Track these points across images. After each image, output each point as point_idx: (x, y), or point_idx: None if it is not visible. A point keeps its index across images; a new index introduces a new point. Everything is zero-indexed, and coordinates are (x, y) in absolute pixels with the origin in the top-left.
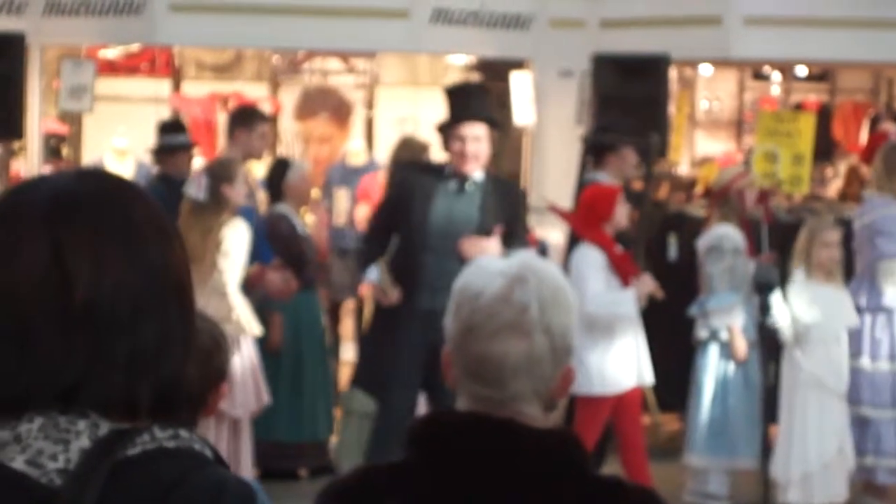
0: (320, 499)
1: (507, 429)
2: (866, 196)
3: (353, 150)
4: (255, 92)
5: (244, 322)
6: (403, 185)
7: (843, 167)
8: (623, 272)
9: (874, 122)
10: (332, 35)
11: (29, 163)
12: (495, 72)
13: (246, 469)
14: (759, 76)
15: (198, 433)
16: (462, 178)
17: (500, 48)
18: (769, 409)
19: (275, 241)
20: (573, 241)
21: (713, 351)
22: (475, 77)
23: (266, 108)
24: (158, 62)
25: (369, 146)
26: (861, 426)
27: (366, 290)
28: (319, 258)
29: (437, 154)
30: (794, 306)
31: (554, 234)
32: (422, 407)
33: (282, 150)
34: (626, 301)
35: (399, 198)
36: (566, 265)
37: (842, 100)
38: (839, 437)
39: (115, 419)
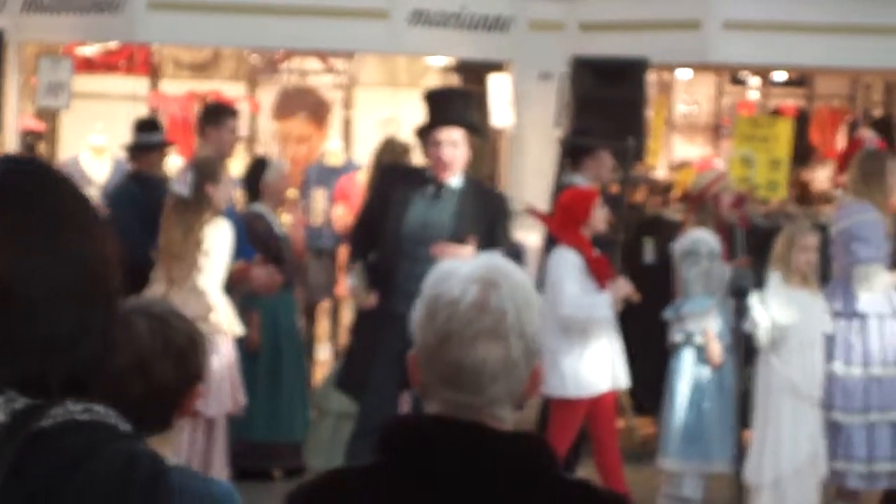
0: (289, 500)
1: (476, 433)
2: (843, 201)
3: (331, 150)
4: (233, 91)
5: (224, 322)
6: (382, 189)
7: (821, 172)
8: (599, 275)
9: (851, 128)
10: (311, 35)
11: None
12: (474, 74)
13: (220, 469)
14: (737, 81)
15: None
16: (439, 184)
17: (479, 50)
18: (743, 413)
19: (252, 241)
20: (550, 243)
21: (688, 355)
22: (453, 78)
23: (244, 107)
24: (136, 60)
25: (347, 146)
26: (833, 431)
27: (342, 291)
28: (296, 258)
29: (419, 156)
30: (771, 310)
31: (531, 236)
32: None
33: (259, 150)
34: (601, 304)
35: (377, 202)
36: (543, 267)
37: (819, 105)
38: (813, 443)
39: (32, 396)
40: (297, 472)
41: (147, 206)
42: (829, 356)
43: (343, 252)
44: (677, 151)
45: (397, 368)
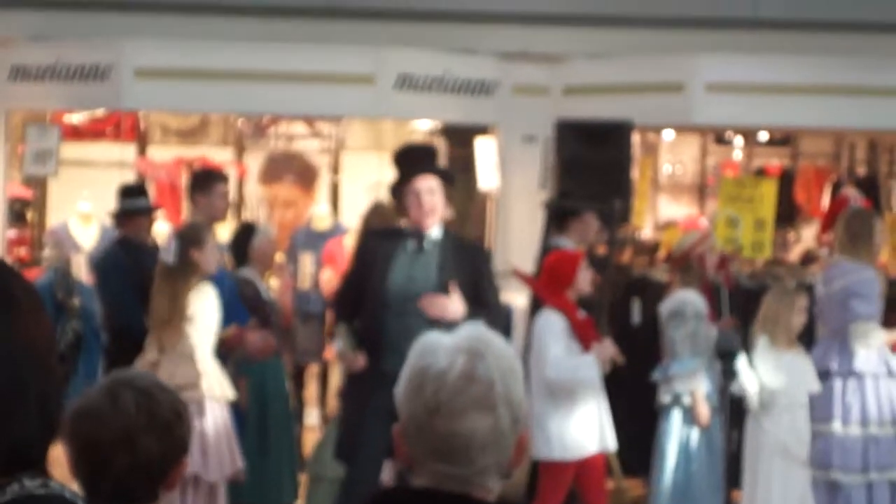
0: None
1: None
2: (834, 261)
3: (319, 214)
4: (221, 156)
5: (215, 387)
6: (364, 251)
7: (805, 232)
8: (584, 337)
9: (836, 188)
10: (298, 100)
11: None
12: (460, 137)
13: None
14: (722, 141)
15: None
16: (419, 237)
17: (464, 114)
18: (732, 474)
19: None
20: (536, 305)
21: (676, 416)
22: (439, 142)
23: (231, 172)
24: (124, 127)
25: (334, 210)
26: (831, 491)
27: (331, 355)
28: (283, 323)
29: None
30: (759, 373)
31: (518, 298)
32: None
33: (247, 214)
34: (586, 366)
35: (361, 264)
36: (530, 330)
37: (804, 164)
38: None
39: None
40: None
41: (134, 273)
42: (827, 415)
43: (331, 316)
44: (663, 211)
45: (387, 432)
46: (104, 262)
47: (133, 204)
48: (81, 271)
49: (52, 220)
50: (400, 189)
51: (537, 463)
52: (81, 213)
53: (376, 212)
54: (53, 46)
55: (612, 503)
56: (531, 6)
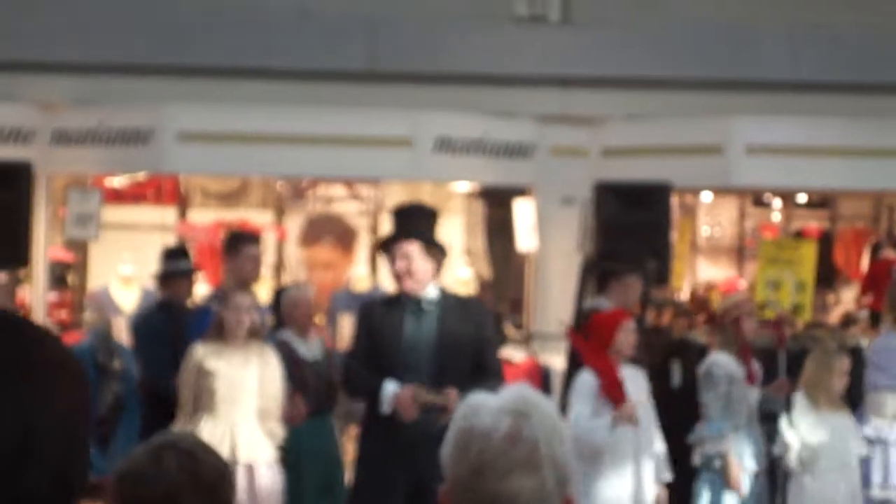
0: None
1: None
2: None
3: (358, 275)
4: (261, 218)
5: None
6: (370, 320)
7: (845, 294)
8: (611, 398)
9: (875, 250)
10: (337, 163)
11: (35, 290)
12: (498, 199)
13: None
14: (760, 203)
15: None
16: (415, 300)
17: (502, 175)
18: None
19: None
20: (573, 366)
21: (706, 479)
22: (477, 204)
23: (270, 234)
24: (164, 190)
25: (373, 272)
26: None
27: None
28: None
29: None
30: (800, 430)
31: (557, 359)
32: None
33: (287, 277)
34: (599, 429)
35: (367, 334)
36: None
37: (842, 227)
38: None
39: None
40: None
41: (173, 336)
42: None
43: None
44: (702, 273)
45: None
46: (142, 325)
47: (175, 266)
48: (122, 334)
49: (93, 283)
50: (386, 248)
51: None
52: (122, 276)
53: None
54: (95, 110)
55: None
56: (569, 69)
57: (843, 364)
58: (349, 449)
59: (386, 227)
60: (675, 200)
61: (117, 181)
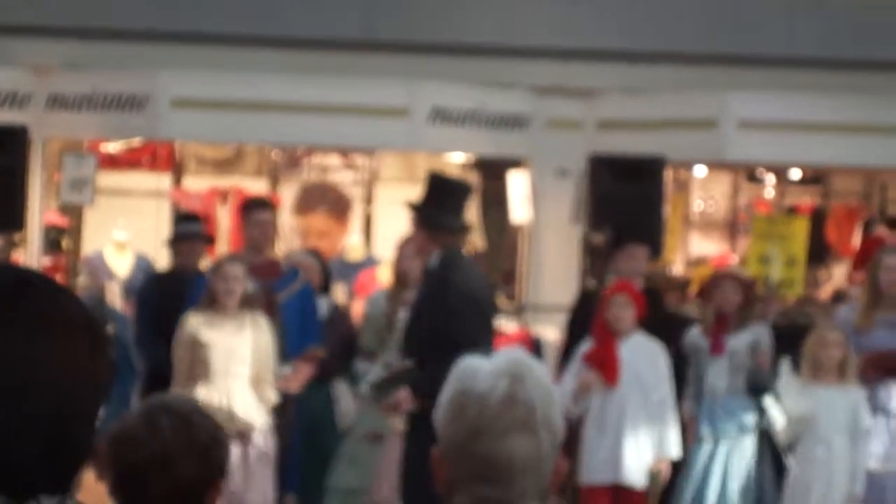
0: None
1: None
2: None
3: (351, 245)
4: (255, 186)
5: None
6: None
7: (836, 270)
8: (592, 366)
9: (867, 226)
10: (332, 132)
11: (29, 254)
12: (493, 170)
13: None
14: (753, 178)
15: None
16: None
17: (497, 147)
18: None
19: None
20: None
21: (697, 449)
22: (472, 175)
23: None
24: (159, 156)
25: (367, 242)
26: None
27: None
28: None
29: None
30: (784, 402)
31: (549, 330)
32: None
33: (281, 245)
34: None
35: None
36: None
37: (835, 203)
38: None
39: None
40: None
41: (166, 307)
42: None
43: None
44: (694, 248)
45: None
46: (137, 296)
47: (186, 228)
48: (116, 299)
49: (88, 248)
50: None
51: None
52: (117, 242)
53: None
54: (90, 76)
55: None
56: (566, 41)
57: (833, 335)
58: None
59: (381, 196)
60: (668, 174)
61: (112, 147)
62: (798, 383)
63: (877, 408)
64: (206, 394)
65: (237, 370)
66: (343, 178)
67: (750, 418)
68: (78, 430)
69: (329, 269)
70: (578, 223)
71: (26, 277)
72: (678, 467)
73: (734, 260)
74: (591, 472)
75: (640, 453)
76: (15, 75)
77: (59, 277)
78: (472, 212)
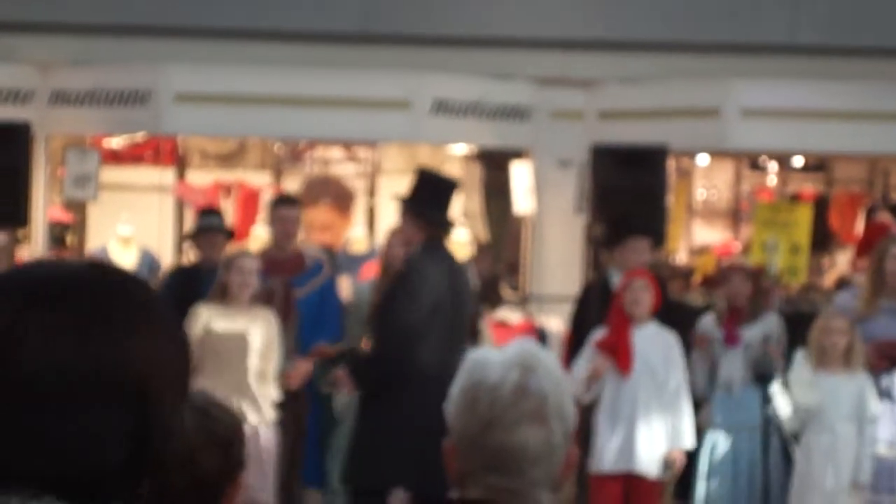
0: None
1: None
2: None
3: (355, 237)
4: (258, 180)
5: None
6: None
7: (840, 257)
8: (605, 352)
9: (870, 213)
10: (335, 124)
11: (34, 250)
12: (495, 161)
13: None
14: (756, 166)
15: None
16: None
17: (499, 138)
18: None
19: None
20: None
21: (711, 440)
22: (475, 166)
23: (268, 196)
24: (162, 151)
25: (371, 234)
26: None
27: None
28: None
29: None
30: (793, 391)
31: (553, 321)
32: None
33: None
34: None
35: None
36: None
37: (838, 190)
38: None
39: (65, 499)
40: None
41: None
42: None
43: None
44: (697, 236)
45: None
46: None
47: (206, 222)
48: None
49: (92, 243)
50: None
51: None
52: (121, 237)
53: None
54: (93, 71)
55: None
56: (567, 31)
57: (837, 322)
58: None
59: (384, 188)
60: (671, 163)
61: (115, 142)
62: (810, 374)
63: (883, 393)
64: (213, 386)
65: (246, 363)
66: (346, 170)
67: (762, 409)
68: (161, 431)
69: (337, 263)
70: (581, 213)
71: (104, 271)
72: (691, 456)
73: (737, 248)
74: (603, 462)
75: (654, 443)
76: (18, 72)
77: None
78: (475, 203)
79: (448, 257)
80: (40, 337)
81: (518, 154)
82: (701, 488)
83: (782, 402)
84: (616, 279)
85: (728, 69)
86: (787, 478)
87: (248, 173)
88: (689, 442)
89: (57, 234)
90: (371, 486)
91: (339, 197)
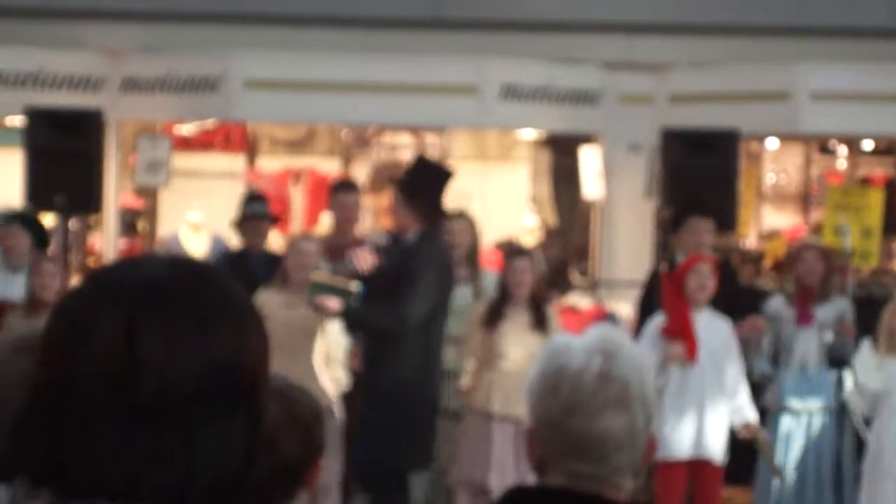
0: None
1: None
2: None
3: None
4: (328, 166)
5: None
6: None
7: None
8: (672, 337)
9: None
10: (403, 110)
11: (105, 237)
12: (564, 146)
13: None
14: (825, 150)
15: None
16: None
17: (568, 123)
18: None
19: None
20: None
21: (781, 421)
22: (543, 151)
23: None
24: (233, 137)
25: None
26: None
27: None
28: None
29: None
30: (859, 377)
31: (623, 307)
32: None
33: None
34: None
35: None
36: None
37: None
38: None
39: None
40: None
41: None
42: None
43: None
44: (767, 221)
45: None
46: None
47: (251, 209)
48: None
49: (163, 229)
50: None
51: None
52: (192, 223)
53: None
54: (164, 58)
55: None
56: (636, 15)
57: None
58: None
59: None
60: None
61: (186, 128)
62: (875, 360)
63: None
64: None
65: (309, 347)
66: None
67: (835, 391)
68: (263, 429)
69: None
70: (651, 198)
71: (200, 270)
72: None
73: (807, 232)
74: (671, 448)
75: (719, 427)
76: (89, 59)
77: None
78: (543, 188)
79: (444, 247)
80: (159, 344)
81: (587, 139)
82: (765, 471)
83: (853, 388)
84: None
85: (798, 52)
86: (860, 463)
87: (317, 159)
88: (752, 416)
89: (128, 220)
90: (393, 468)
91: None
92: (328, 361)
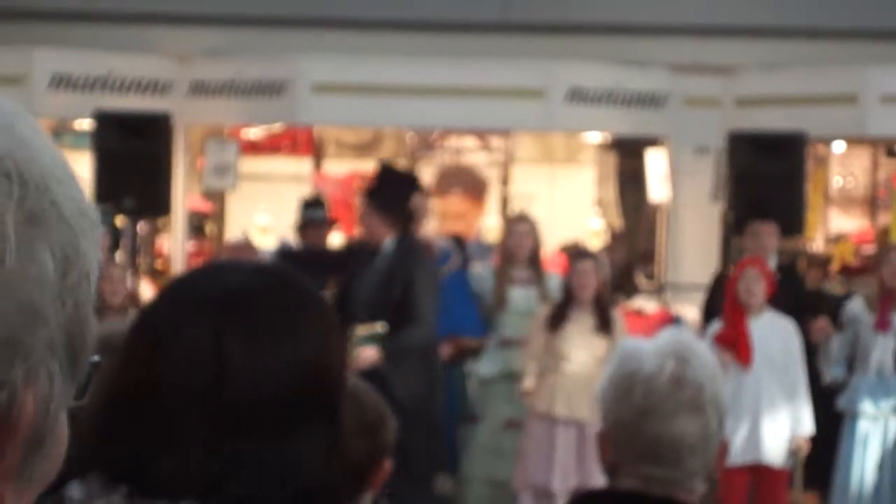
0: None
1: None
2: None
3: (488, 227)
4: None
5: None
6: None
7: None
8: (723, 345)
9: None
10: (468, 114)
11: (174, 239)
12: (630, 149)
13: None
14: (893, 153)
15: None
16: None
17: (634, 126)
18: None
19: None
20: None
21: (858, 426)
22: (610, 154)
23: None
24: (299, 141)
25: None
26: None
27: None
28: None
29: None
30: None
31: (689, 310)
32: None
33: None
34: None
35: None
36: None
37: None
38: None
39: None
40: None
41: None
42: None
43: None
44: (834, 224)
45: None
46: None
47: (311, 215)
48: None
49: (231, 233)
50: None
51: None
52: (259, 226)
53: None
54: (231, 62)
55: None
56: (703, 18)
57: None
58: None
59: (517, 177)
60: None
61: (253, 132)
62: None
63: None
64: None
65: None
66: (478, 159)
67: None
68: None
69: (467, 252)
70: (718, 201)
71: (288, 282)
72: (830, 442)
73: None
74: (731, 454)
75: (778, 431)
76: (157, 63)
77: (202, 263)
78: (609, 191)
79: (423, 250)
80: (245, 352)
81: (653, 142)
82: (841, 475)
83: None
84: None
85: (866, 55)
86: None
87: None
88: (809, 428)
89: (196, 223)
90: (419, 472)
91: (471, 186)
92: None
